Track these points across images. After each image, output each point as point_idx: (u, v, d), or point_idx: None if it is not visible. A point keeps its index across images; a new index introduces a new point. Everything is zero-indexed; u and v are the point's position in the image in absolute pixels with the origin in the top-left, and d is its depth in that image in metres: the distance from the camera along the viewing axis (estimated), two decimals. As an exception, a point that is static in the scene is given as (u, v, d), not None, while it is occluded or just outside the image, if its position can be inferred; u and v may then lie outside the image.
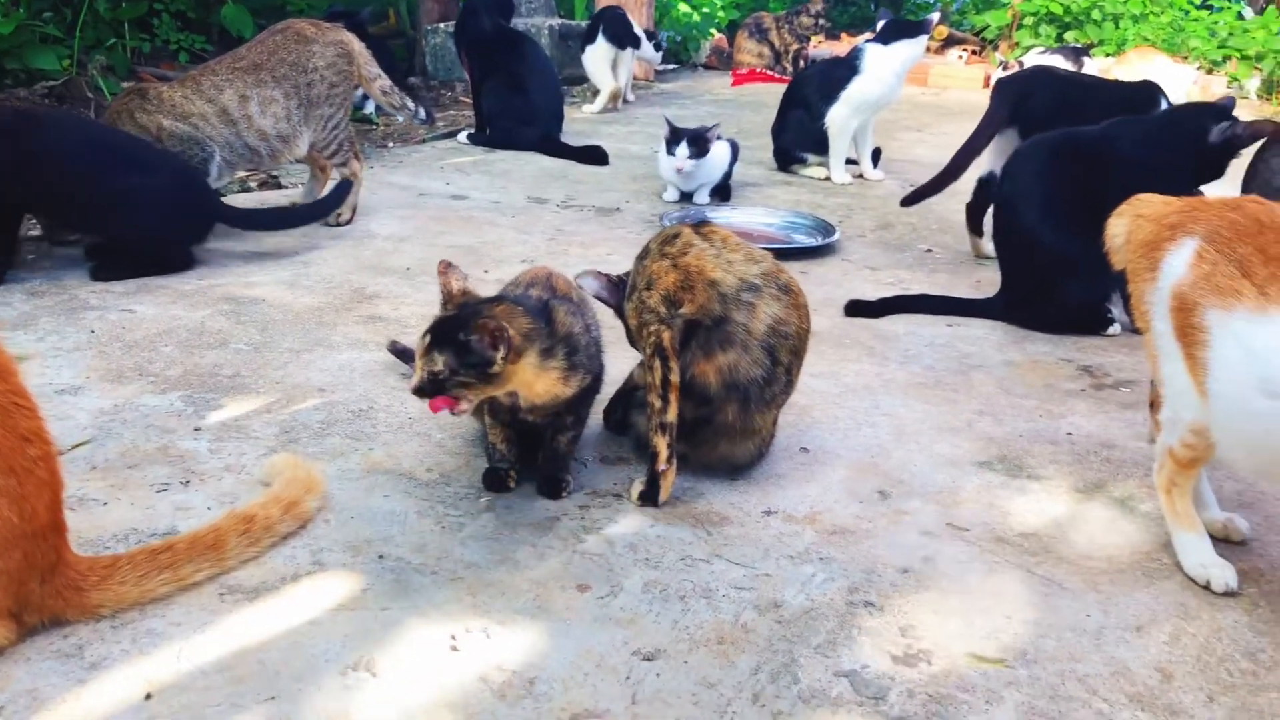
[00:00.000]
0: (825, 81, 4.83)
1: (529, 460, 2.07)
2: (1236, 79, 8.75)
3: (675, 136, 4.24)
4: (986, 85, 8.42)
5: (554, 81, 5.47)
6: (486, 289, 2.10)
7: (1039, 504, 2.11)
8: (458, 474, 2.09)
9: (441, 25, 7.13)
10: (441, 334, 1.80)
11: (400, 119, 5.05)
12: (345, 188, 3.66)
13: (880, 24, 4.83)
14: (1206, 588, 1.84)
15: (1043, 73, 4.14)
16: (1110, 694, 1.56)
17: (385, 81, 3.82)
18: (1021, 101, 3.96)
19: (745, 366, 2.01)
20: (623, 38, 6.37)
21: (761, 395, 2.04)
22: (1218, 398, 1.73)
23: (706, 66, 8.95)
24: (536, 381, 1.88)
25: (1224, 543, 1.99)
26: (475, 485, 2.04)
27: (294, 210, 3.65)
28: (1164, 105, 4.08)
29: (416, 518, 1.93)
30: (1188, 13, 9.69)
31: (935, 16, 5.32)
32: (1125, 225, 1.96)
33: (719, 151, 4.33)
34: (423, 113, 4.11)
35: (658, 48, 7.18)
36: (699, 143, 4.23)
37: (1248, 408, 1.67)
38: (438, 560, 1.80)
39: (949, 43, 10.28)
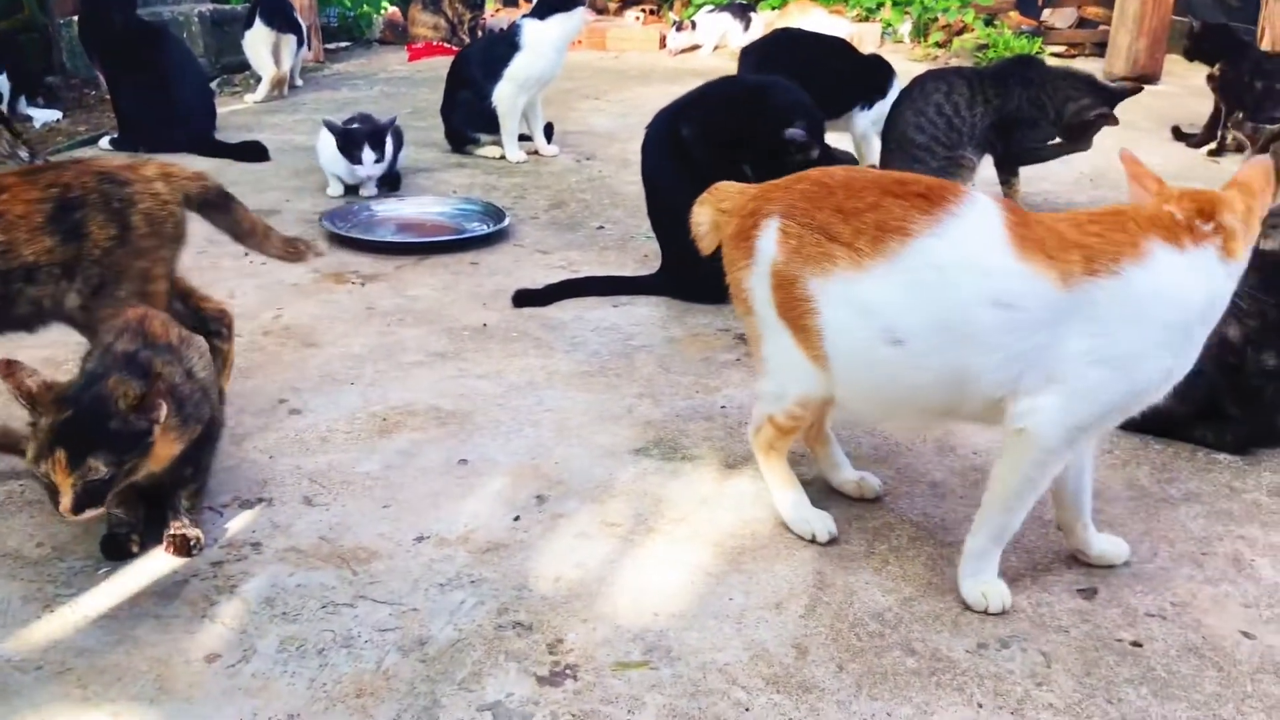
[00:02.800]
0: (488, 60, 4.74)
1: (156, 518, 1.91)
2: (890, 24, 9.32)
3: (352, 140, 4.04)
4: (662, 46, 8.58)
5: (200, 76, 5.10)
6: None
7: (690, 486, 2.15)
8: (74, 545, 1.90)
9: (76, 18, 6.51)
10: (80, 437, 1.63)
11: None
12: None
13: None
14: (813, 540, 1.94)
15: (784, 37, 4.24)
16: (749, 680, 1.60)
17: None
18: (763, 68, 4.06)
19: None
20: (281, 21, 6.03)
21: None
22: (840, 357, 1.79)
23: (382, 41, 8.64)
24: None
25: (860, 501, 2.10)
26: (95, 556, 1.87)
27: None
28: (895, 80, 4.30)
29: (21, 604, 1.74)
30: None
31: (587, -9, 5.32)
32: (709, 215, 2.03)
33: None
34: (25, 153, 3.69)
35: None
36: (380, 142, 4.07)
37: (873, 358, 1.75)
38: (43, 653, 1.63)
39: (628, 3, 10.41)
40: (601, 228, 3.92)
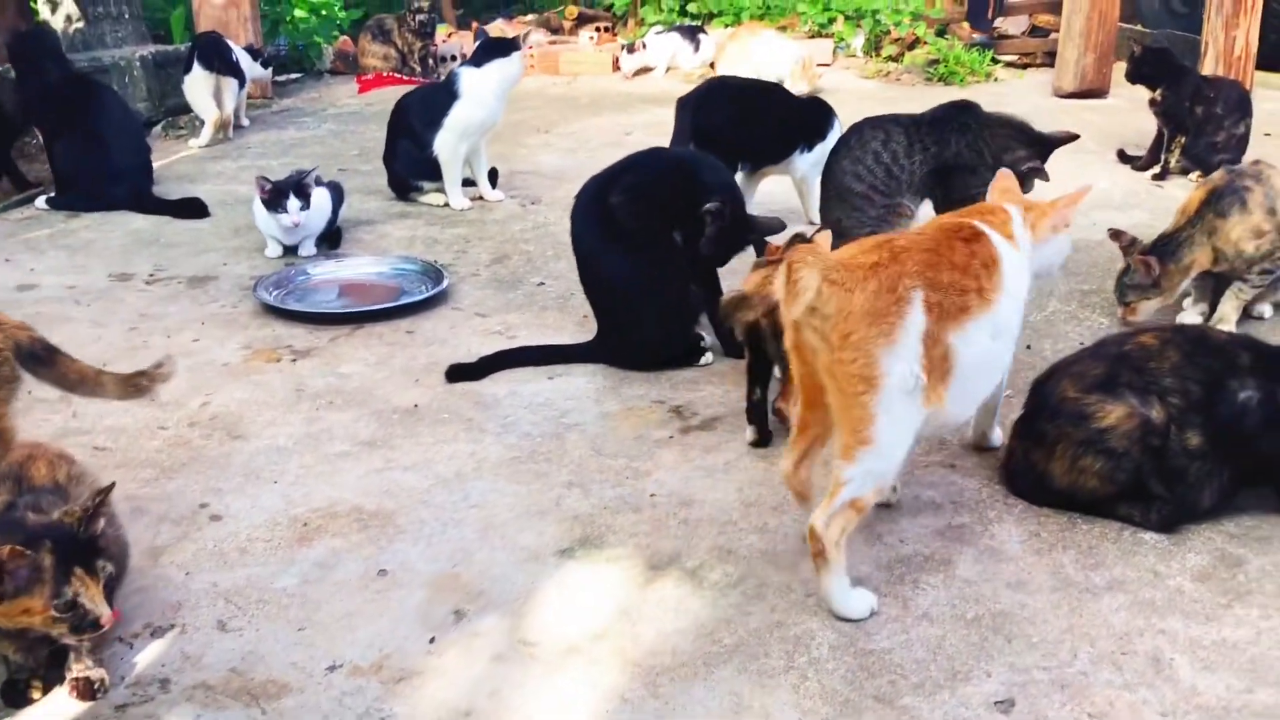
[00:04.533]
0: (427, 108, 4.71)
1: (58, 660, 1.87)
2: (843, 38, 9.32)
3: (279, 192, 3.99)
4: (616, 69, 8.55)
5: (137, 129, 5.03)
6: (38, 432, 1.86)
7: (613, 594, 2.12)
8: (-27, 692, 1.86)
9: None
10: None
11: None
12: None
13: (475, 45, 4.74)
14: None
15: (718, 86, 4.23)
16: (657, 825, 1.58)
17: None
18: (700, 120, 4.05)
19: None
20: (220, 64, 5.95)
21: None
22: (969, 379, 2.08)
23: (333, 72, 8.56)
24: None
25: (782, 605, 2.07)
26: (-5, 704, 1.83)
27: None
28: (835, 121, 4.28)
29: (-84, 766, 1.70)
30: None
31: (526, 33, 5.29)
32: (816, 281, 1.91)
33: (319, 199, 4.13)
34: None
35: (266, 64, 6.76)
36: (304, 191, 4.02)
37: (1001, 364, 2.24)
38: (-65, 824, 1.59)
39: (581, 21, 10.37)
40: (542, 284, 3.89)
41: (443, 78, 5.50)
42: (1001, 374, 2.29)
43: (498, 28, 9.53)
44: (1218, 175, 3.32)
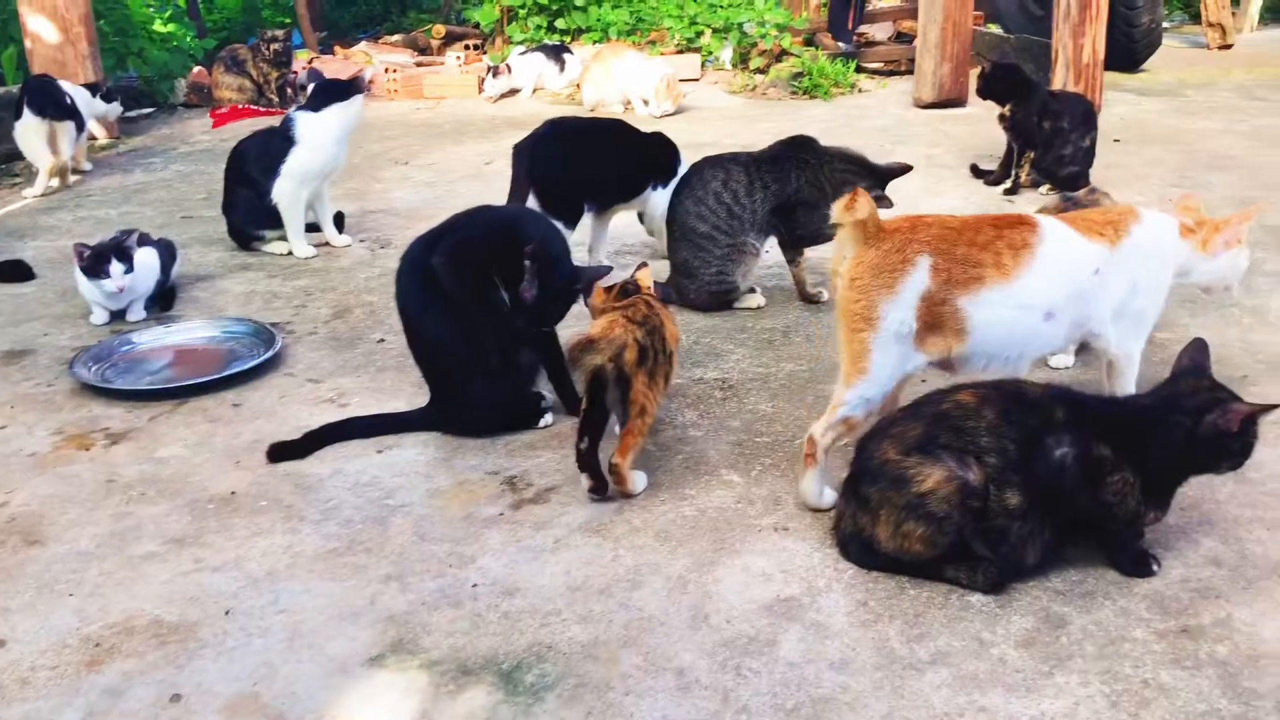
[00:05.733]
0: (263, 155, 4.53)
1: None
2: (711, 52, 9.33)
3: (99, 258, 3.78)
4: (481, 90, 8.41)
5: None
6: None
7: (420, 706, 2.01)
8: None
9: None
10: None
11: None
12: None
13: (310, 88, 4.58)
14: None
15: (558, 130, 4.12)
16: None
17: None
18: (539, 166, 3.95)
19: None
20: (53, 109, 5.67)
21: None
22: (992, 342, 2.53)
23: (187, 105, 8.27)
24: None
25: (595, 694, 1.99)
26: None
27: None
28: (680, 158, 4.20)
29: None
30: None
31: (367, 74, 5.15)
32: (867, 210, 2.45)
33: (145, 259, 3.92)
34: None
35: (107, 98, 6.44)
36: (126, 255, 3.82)
37: (1029, 333, 2.56)
38: None
39: (449, 40, 10.20)
40: (382, 340, 3.75)
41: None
42: (1043, 343, 2.63)
43: (362, 51, 9.36)
44: (1054, 203, 3.35)
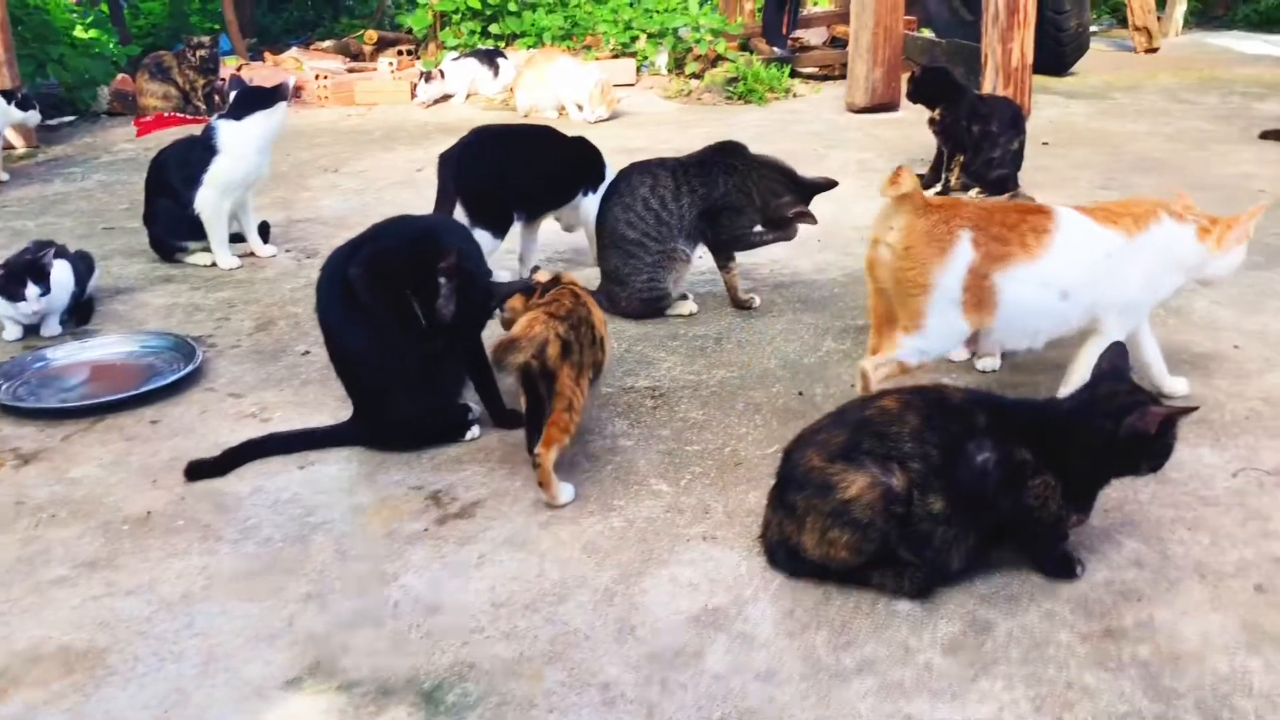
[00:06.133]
0: (184, 165, 4.42)
1: None
2: (646, 57, 9.31)
3: (12, 278, 3.66)
4: (413, 95, 8.32)
5: None
6: None
7: (338, 733, 1.96)
8: None
9: None
10: None
11: None
12: None
13: (231, 96, 4.48)
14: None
15: (485, 137, 4.07)
16: None
17: None
18: (466, 174, 3.90)
19: None
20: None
21: None
22: (1016, 317, 2.80)
23: (110, 113, 8.06)
24: None
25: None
26: None
27: None
28: (605, 165, 4.17)
29: None
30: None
31: (290, 81, 5.04)
32: (911, 186, 2.74)
33: (61, 275, 3.81)
34: None
35: (23, 105, 6.21)
36: (41, 273, 3.70)
37: (1046, 310, 2.83)
38: None
39: (382, 46, 10.09)
40: (307, 353, 3.67)
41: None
42: (1057, 322, 2.86)
43: (293, 57, 9.22)
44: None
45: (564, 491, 2.66)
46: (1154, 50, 10.56)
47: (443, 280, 2.74)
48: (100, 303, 4.15)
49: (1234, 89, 8.51)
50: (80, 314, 3.98)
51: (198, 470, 2.86)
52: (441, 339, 2.83)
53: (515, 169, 3.96)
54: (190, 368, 3.42)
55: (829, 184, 3.78)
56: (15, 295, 3.64)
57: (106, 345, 3.69)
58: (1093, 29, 10.33)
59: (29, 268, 3.68)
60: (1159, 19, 11.22)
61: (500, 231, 3.97)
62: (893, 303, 2.82)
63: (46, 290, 3.68)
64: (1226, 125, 7.17)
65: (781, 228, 3.77)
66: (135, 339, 3.71)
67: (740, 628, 2.21)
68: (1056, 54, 8.76)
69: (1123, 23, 11.51)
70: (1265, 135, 6.70)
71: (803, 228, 3.82)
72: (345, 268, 2.90)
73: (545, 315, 2.64)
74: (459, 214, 3.87)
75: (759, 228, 3.78)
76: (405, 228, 3.03)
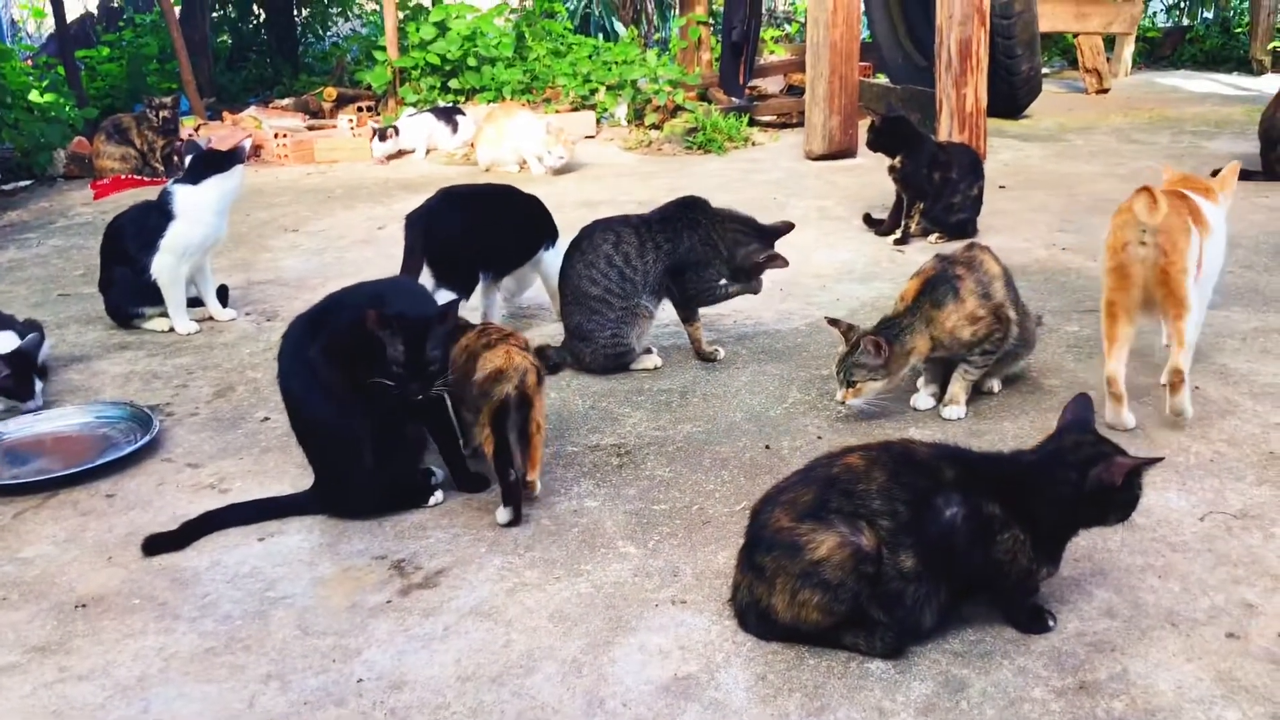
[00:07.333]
0: (141, 230, 4.38)
1: None
2: (605, 108, 9.38)
3: None
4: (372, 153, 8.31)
5: None
6: None
7: (299, 822, 1.89)
8: None
9: None
10: None
11: None
12: None
13: (188, 160, 4.45)
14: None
15: (450, 198, 4.08)
16: None
17: None
18: (431, 233, 3.93)
19: None
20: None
21: None
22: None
23: (67, 177, 7.99)
24: None
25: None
26: None
27: None
28: (549, 220, 4.20)
29: None
30: (560, 52, 10.18)
31: (246, 144, 5.02)
32: (1151, 208, 3.05)
33: (6, 344, 3.74)
34: None
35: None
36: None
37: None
38: None
39: (341, 102, 10.09)
40: (267, 419, 3.62)
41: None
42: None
43: (251, 116, 9.20)
44: (930, 264, 3.36)
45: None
46: (1105, 91, 10.75)
47: (381, 334, 2.70)
48: (55, 372, 4.08)
49: (1184, 128, 8.66)
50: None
51: (155, 545, 2.80)
52: (408, 399, 2.77)
53: (482, 229, 3.97)
54: (147, 438, 3.36)
55: (788, 227, 3.82)
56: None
57: (60, 417, 3.62)
58: (1045, 71, 10.50)
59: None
60: (1108, 60, 11.44)
61: (466, 291, 3.96)
62: (1154, 298, 3.11)
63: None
64: (1179, 165, 7.24)
65: (748, 279, 3.77)
66: (90, 409, 3.65)
67: (712, 695, 2.17)
68: (1010, 97, 8.89)
69: (1073, 64, 11.72)
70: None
71: (766, 277, 3.83)
72: (307, 335, 2.87)
73: (516, 348, 2.84)
74: (425, 275, 3.86)
75: (723, 281, 3.78)
76: (358, 296, 2.99)
